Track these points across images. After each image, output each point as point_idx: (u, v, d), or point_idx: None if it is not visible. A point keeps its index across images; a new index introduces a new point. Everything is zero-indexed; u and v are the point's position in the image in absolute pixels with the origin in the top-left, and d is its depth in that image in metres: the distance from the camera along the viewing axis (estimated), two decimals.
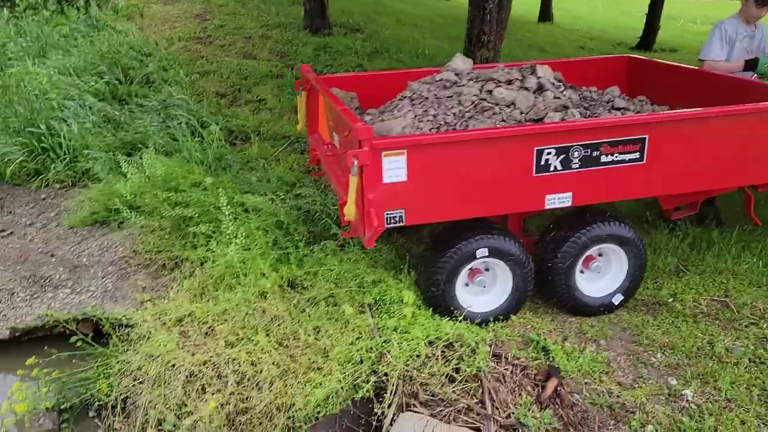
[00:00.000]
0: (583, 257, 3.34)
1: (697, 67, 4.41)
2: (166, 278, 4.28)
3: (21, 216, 5.30)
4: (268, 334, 3.33)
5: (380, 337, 3.11)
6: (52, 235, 4.95)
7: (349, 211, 2.84)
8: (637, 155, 3.09)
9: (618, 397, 2.87)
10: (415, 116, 3.48)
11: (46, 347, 3.70)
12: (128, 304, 4.05)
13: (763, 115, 3.24)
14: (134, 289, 4.21)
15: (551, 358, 3.06)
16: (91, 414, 3.70)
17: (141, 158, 4.74)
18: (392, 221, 2.92)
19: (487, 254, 3.17)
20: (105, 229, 4.91)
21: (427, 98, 3.62)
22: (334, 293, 3.46)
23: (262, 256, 3.62)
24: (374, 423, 2.86)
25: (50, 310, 3.88)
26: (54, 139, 5.71)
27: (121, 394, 3.50)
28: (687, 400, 2.84)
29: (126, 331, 3.72)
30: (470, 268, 3.27)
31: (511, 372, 2.94)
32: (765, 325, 3.43)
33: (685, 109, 3.23)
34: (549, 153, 2.98)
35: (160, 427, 3.39)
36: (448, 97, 3.59)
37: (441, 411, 2.73)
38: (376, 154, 2.76)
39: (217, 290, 3.74)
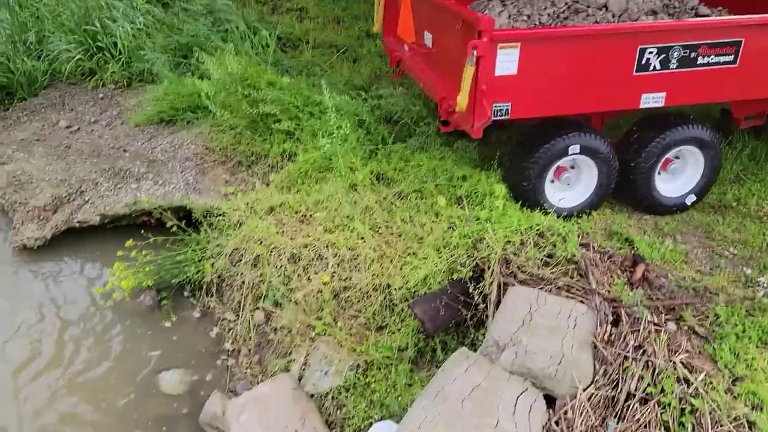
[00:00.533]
0: (665, 158, 3.52)
1: None
2: (244, 173, 4.45)
3: (84, 113, 5.38)
4: (363, 223, 3.54)
5: (476, 224, 3.33)
6: (119, 132, 5.05)
7: (462, 101, 2.98)
8: (732, 57, 3.22)
9: (699, 282, 3.13)
10: (510, 16, 3.56)
11: (142, 231, 3.92)
12: (212, 196, 4.23)
13: None
14: (215, 182, 4.38)
15: (635, 248, 3.30)
16: (185, 294, 3.96)
17: (214, 57, 4.78)
18: (499, 114, 3.07)
19: (578, 151, 3.35)
20: (173, 128, 5.02)
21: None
22: (424, 187, 3.65)
23: (353, 151, 3.78)
24: (475, 299, 3.11)
25: (144, 197, 4.05)
26: (109, 38, 5.70)
27: (216, 274, 3.74)
28: (763, 286, 3.11)
29: (217, 219, 3.91)
30: (558, 166, 3.45)
31: (600, 258, 3.19)
32: None
33: None
34: (651, 52, 3.10)
35: (257, 305, 3.66)
36: None
37: (541, 289, 2.98)
38: (493, 46, 2.88)
39: (304, 183, 3.92)
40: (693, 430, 2.23)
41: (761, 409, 2.31)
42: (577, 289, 2.91)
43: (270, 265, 3.47)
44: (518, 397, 2.23)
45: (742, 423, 2.25)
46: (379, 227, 3.56)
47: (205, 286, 3.85)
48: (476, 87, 2.95)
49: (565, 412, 2.24)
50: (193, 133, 4.86)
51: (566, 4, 3.57)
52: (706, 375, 2.38)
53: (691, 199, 3.70)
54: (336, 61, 6.00)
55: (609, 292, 2.90)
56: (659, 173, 3.62)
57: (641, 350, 2.46)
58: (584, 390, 2.29)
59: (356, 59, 6.11)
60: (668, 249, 3.35)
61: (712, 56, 3.20)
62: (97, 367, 3.44)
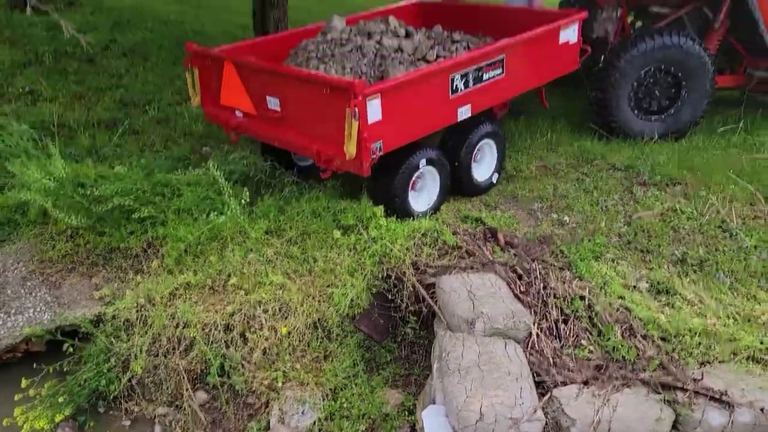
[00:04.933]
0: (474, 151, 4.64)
1: (467, 3, 5.95)
2: (108, 272, 4.30)
3: None
4: (276, 274, 3.90)
5: (375, 243, 3.98)
6: None
7: (351, 149, 3.60)
8: (501, 70, 4.45)
9: (534, 233, 4.30)
10: (336, 71, 4.25)
11: (35, 365, 3.65)
12: (87, 305, 4.06)
13: (553, 33, 4.87)
14: (80, 290, 4.18)
15: (485, 223, 4.34)
16: (102, 409, 3.79)
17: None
18: (376, 151, 3.77)
19: (426, 164, 4.24)
20: None
21: (333, 56, 4.39)
22: (313, 227, 4.14)
23: (241, 217, 4.06)
24: (398, 302, 3.79)
25: (28, 327, 3.73)
26: None
27: (137, 375, 3.72)
28: (566, 223, 4.44)
29: (112, 322, 3.84)
30: (414, 178, 4.29)
31: (471, 237, 4.14)
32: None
33: (516, 36, 4.65)
34: (457, 78, 4.14)
35: (196, 386, 3.79)
36: (349, 51, 4.42)
37: (449, 274, 3.80)
38: (364, 101, 3.56)
39: (195, 260, 4.05)
40: (600, 325, 3.33)
41: (623, 298, 3.52)
42: (476, 265, 3.80)
43: (207, 343, 3.63)
44: (505, 348, 3.03)
45: (621, 309, 3.42)
46: (292, 273, 3.96)
47: (125, 392, 3.78)
48: (360, 135, 3.60)
49: (533, 346, 3.13)
50: (10, 252, 4.46)
51: (373, 53, 4.40)
52: (589, 289, 3.51)
53: (495, 177, 4.91)
54: (120, 139, 5.90)
55: (494, 259, 3.87)
56: (473, 164, 4.73)
57: (547, 288, 3.47)
58: (536, 327, 3.21)
59: (138, 131, 6.10)
60: (502, 217, 4.48)
61: (491, 71, 4.38)
62: None
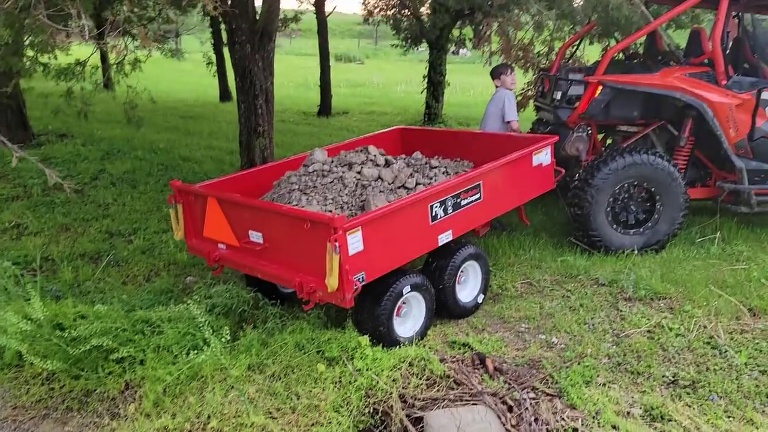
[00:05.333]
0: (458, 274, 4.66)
1: (445, 129, 6.22)
2: (84, 417, 4.12)
3: None
4: (257, 414, 3.75)
5: (360, 375, 3.87)
6: None
7: (333, 282, 3.60)
8: (478, 195, 4.56)
9: (524, 357, 4.22)
10: (318, 202, 4.35)
11: None
12: None
13: (526, 158, 5.07)
14: None
15: (473, 348, 4.26)
16: None
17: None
18: (358, 282, 3.77)
19: (410, 290, 4.23)
20: None
21: (315, 187, 4.51)
22: (297, 361, 4.05)
23: (223, 355, 3.96)
24: None
25: None
26: None
27: None
28: (554, 344, 4.37)
29: None
30: (398, 305, 4.27)
31: (458, 365, 4.05)
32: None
33: (491, 163, 4.82)
34: (436, 206, 4.23)
35: None
36: (330, 182, 4.55)
37: (438, 406, 3.67)
38: (344, 234, 3.61)
39: (174, 402, 3.91)
40: None
41: (617, 427, 3.40)
42: (466, 396, 3.69)
43: None
44: None
45: None
46: (275, 412, 3.81)
47: None
48: (341, 268, 3.61)
49: None
50: None
51: (354, 183, 4.52)
52: (582, 420, 3.39)
53: (481, 297, 4.90)
54: (103, 272, 5.88)
55: (484, 388, 3.76)
56: (457, 286, 4.73)
57: (539, 421, 3.35)
58: None
59: (125, 261, 6.09)
60: (490, 340, 4.41)
61: (469, 197, 4.49)
62: None
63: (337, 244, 3.53)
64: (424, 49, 14.78)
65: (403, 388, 3.83)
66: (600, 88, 5.96)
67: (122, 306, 4.60)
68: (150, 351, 4.12)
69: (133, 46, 6.31)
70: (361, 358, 4.02)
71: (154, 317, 4.34)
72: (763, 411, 3.59)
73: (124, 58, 6.90)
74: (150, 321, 4.33)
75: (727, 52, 6.46)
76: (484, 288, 4.94)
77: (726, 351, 4.14)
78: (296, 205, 4.36)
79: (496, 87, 6.63)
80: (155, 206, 7.66)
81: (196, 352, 3.96)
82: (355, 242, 3.70)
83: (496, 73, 6.65)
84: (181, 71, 26.71)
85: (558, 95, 6.35)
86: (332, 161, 4.86)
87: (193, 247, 4.71)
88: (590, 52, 9.22)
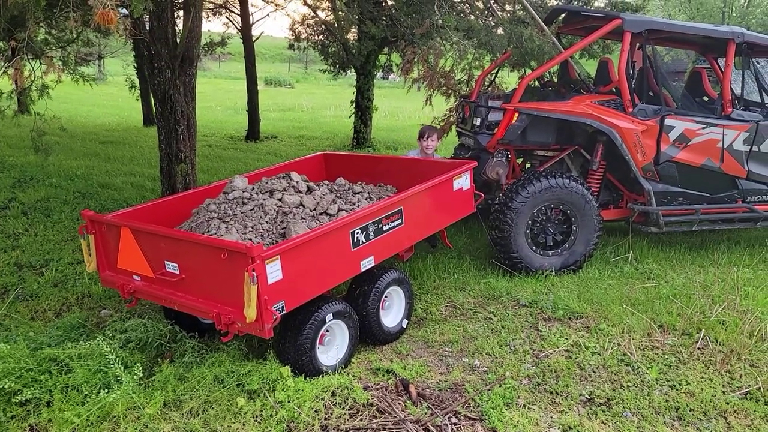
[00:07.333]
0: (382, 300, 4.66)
1: (368, 154, 6.27)
2: None
3: None
4: None
5: (282, 408, 3.78)
6: None
7: (251, 313, 3.52)
8: (400, 220, 4.60)
9: (447, 381, 4.25)
10: (237, 231, 4.26)
11: None
12: None
13: (447, 183, 5.16)
14: None
15: (396, 374, 4.26)
16: None
17: None
18: (278, 311, 3.70)
19: (332, 318, 4.19)
20: None
21: (235, 215, 4.42)
22: (215, 395, 3.91)
23: (135, 392, 3.78)
24: None
25: None
26: None
27: None
28: (477, 367, 4.43)
29: None
30: (321, 333, 4.21)
31: (382, 392, 4.03)
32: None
33: (412, 188, 4.88)
34: (357, 232, 4.23)
35: None
36: (251, 210, 4.47)
37: None
38: (263, 264, 3.54)
39: None
40: None
41: None
42: (389, 425, 3.67)
43: None
44: None
45: None
46: None
47: None
48: (260, 298, 3.54)
49: None
50: None
51: (275, 210, 4.47)
52: None
53: (405, 323, 4.91)
54: (11, 309, 5.54)
55: (407, 416, 3.75)
56: (381, 311, 4.73)
57: None
58: None
59: (35, 295, 5.76)
60: (414, 365, 4.42)
61: (390, 223, 4.52)
62: None
63: (254, 273, 3.46)
64: (352, 74, 14.93)
65: (325, 419, 3.77)
66: (516, 114, 6.17)
67: (28, 344, 4.32)
68: (57, 391, 3.88)
69: (40, 72, 6.04)
70: (283, 389, 3.93)
71: (63, 355, 4.10)
72: (673, 425, 3.75)
73: (31, 84, 6.58)
74: (58, 359, 4.09)
75: (633, 81, 6.86)
76: (409, 313, 4.96)
77: (638, 367, 4.32)
78: (215, 234, 4.26)
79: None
80: (70, 236, 7.30)
81: (107, 390, 3.76)
82: (273, 271, 3.64)
83: (419, 134, 6.80)
84: (106, 94, 25.92)
85: (478, 121, 6.53)
86: (253, 188, 4.79)
87: (107, 279, 4.51)
88: (510, 79, 9.55)
